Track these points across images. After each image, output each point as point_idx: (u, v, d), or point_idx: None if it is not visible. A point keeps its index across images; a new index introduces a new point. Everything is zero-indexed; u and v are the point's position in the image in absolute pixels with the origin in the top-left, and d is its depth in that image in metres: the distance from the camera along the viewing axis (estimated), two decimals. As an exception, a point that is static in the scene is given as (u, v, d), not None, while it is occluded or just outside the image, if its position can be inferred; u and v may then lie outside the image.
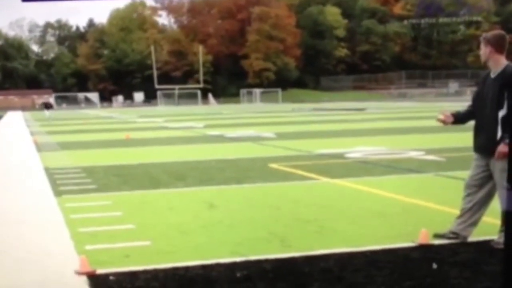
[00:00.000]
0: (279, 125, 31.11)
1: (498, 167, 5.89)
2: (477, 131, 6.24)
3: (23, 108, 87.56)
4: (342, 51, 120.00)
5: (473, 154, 6.35)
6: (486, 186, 6.16)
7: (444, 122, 6.49)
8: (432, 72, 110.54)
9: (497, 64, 6.05)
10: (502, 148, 5.76)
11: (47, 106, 56.43)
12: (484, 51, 6.11)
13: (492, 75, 6.10)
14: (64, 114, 61.41)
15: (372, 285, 4.99)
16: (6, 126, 38.24)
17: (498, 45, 6.03)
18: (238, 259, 5.83)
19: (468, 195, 6.28)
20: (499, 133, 5.87)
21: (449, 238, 6.29)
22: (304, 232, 7.00)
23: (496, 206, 6.19)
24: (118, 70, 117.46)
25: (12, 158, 16.92)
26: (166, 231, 7.19)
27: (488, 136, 5.97)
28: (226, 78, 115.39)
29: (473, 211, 6.22)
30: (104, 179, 11.87)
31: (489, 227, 6.48)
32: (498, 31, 6.31)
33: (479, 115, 6.21)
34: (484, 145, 6.05)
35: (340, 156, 15.14)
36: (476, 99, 6.30)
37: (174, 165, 14.19)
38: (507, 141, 5.71)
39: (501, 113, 5.85)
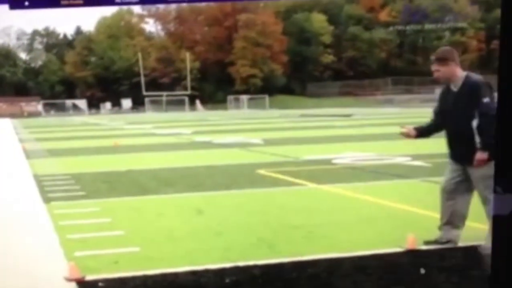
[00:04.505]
0: (267, 131, 31.12)
1: (478, 174, 6.01)
2: (454, 143, 6.35)
3: (12, 116, 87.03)
4: (328, 58, 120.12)
5: (448, 159, 6.49)
6: (463, 189, 6.28)
7: (407, 135, 6.65)
8: (417, 78, 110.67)
9: (459, 77, 6.16)
10: (480, 155, 5.90)
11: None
12: (446, 69, 6.15)
13: (454, 88, 6.20)
14: (52, 121, 61.18)
15: (360, 290, 5.02)
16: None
17: (457, 59, 6.18)
18: (227, 265, 5.84)
19: (447, 199, 6.38)
20: (477, 141, 5.95)
21: (441, 243, 6.33)
22: (292, 238, 7.03)
23: (481, 211, 6.24)
24: (106, 77, 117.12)
25: (0, 165, 16.85)
26: (155, 237, 7.20)
27: (468, 146, 6.01)
28: (214, 85, 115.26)
29: (456, 215, 6.28)
30: (93, 186, 11.86)
31: (476, 232, 6.53)
32: (446, 47, 6.48)
33: (451, 129, 6.32)
34: (465, 155, 6.11)
35: (328, 162, 15.19)
36: (442, 113, 6.43)
37: (162, 171, 14.19)
38: (482, 148, 5.89)
39: (475, 123, 5.95)
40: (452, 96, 6.22)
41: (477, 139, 5.94)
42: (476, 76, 6.13)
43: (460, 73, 6.15)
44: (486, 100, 5.87)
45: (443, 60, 6.14)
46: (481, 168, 5.95)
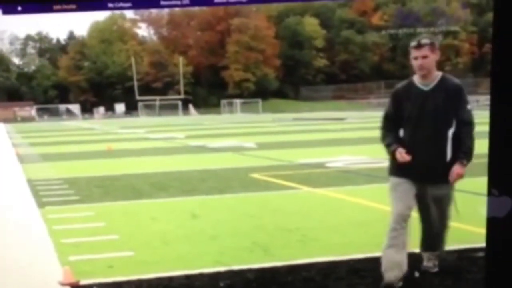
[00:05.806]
0: (260, 135, 31.10)
1: (438, 193, 5.32)
2: (419, 155, 5.22)
3: (5, 121, 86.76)
4: (321, 61, 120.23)
5: (394, 180, 5.47)
6: (428, 203, 5.47)
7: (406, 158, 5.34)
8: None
9: (434, 74, 5.25)
10: (460, 169, 5.09)
11: None
12: (434, 58, 5.23)
13: (425, 87, 5.24)
14: (45, 126, 61.09)
15: (354, 293, 5.03)
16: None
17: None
18: (221, 268, 5.86)
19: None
20: (449, 153, 5.16)
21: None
22: (286, 241, 7.04)
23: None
24: (99, 81, 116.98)
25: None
26: (149, 242, 7.20)
27: (438, 157, 5.19)
28: (207, 89, 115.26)
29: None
30: (87, 190, 11.85)
31: (471, 235, 6.54)
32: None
33: (418, 137, 5.26)
34: (432, 171, 5.23)
35: (321, 165, 15.20)
36: (401, 117, 5.41)
37: (156, 175, 14.17)
38: (464, 162, 5.11)
39: (451, 130, 5.15)
40: (421, 96, 5.24)
41: (449, 150, 5.16)
42: (455, 78, 5.29)
43: (435, 71, 5.23)
44: (469, 107, 5.15)
45: (434, 46, 5.18)
46: (438, 187, 5.29)
